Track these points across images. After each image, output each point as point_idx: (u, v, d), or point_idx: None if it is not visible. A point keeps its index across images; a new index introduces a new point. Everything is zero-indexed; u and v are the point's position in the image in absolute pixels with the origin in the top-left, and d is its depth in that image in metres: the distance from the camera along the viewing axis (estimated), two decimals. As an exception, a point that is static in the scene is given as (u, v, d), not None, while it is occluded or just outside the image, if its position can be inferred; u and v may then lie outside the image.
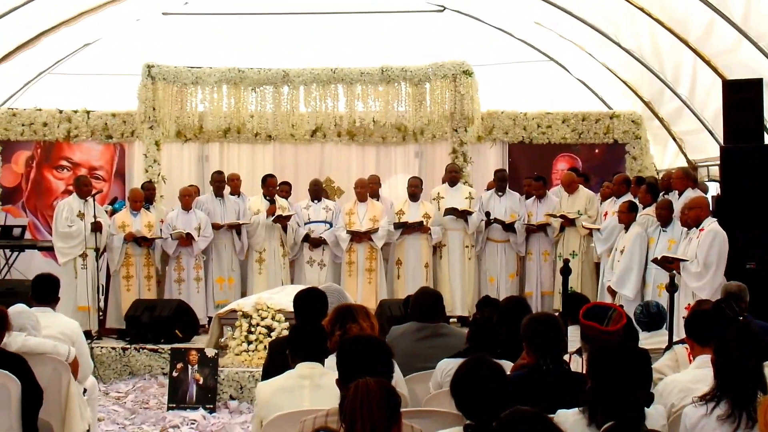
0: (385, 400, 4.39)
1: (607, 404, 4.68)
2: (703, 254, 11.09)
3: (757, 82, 12.20)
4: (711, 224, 11.25)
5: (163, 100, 16.15)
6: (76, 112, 17.31)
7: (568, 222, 14.88)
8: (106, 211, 15.03)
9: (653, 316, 9.14)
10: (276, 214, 14.87)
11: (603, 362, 4.84)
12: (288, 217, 14.94)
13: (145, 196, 14.95)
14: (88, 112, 17.30)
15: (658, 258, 11.87)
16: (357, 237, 14.88)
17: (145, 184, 15.51)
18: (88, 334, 12.88)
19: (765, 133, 12.65)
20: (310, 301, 7.41)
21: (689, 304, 11.02)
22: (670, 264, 11.47)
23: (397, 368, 6.59)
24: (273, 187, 15.24)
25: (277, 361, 6.70)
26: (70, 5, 15.14)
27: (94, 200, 13.92)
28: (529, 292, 15.34)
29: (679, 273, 11.27)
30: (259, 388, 6.21)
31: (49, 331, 7.97)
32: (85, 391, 8.53)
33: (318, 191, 15.47)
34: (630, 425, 4.58)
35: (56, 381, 7.66)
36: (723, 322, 6.69)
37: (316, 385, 5.71)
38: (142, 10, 16.86)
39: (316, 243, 15.12)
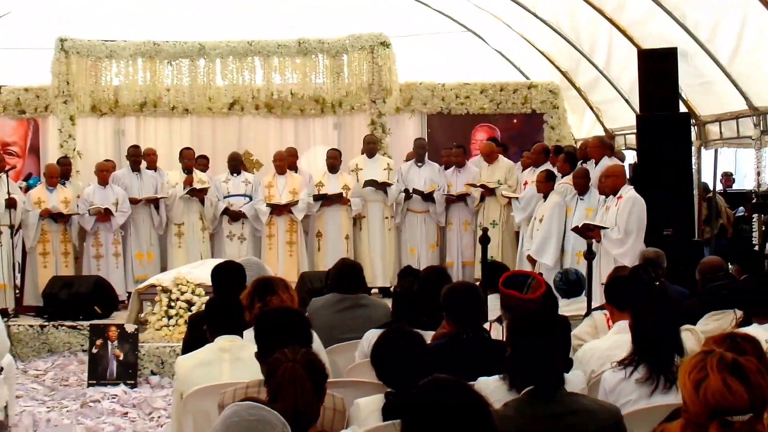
0: (312, 380, 4.36)
1: (527, 370, 4.71)
2: (623, 221, 11.23)
3: (672, 52, 12.36)
4: (629, 192, 11.38)
5: (77, 74, 15.91)
6: (-14, 86, 17.01)
7: (488, 191, 14.93)
8: (21, 188, 14.82)
9: (572, 284, 9.22)
10: (191, 187, 14.74)
11: (522, 329, 4.85)
12: (203, 191, 14.82)
13: (61, 172, 14.76)
14: (-1, 87, 17.02)
15: (579, 226, 11.98)
16: (277, 210, 14.81)
17: (60, 159, 15.33)
18: (4, 312, 12.80)
19: (680, 102, 12.80)
20: (227, 274, 7.38)
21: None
22: (590, 232, 11.58)
23: (317, 339, 6.59)
24: (190, 160, 15.11)
25: (197, 335, 6.66)
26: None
27: (7, 176, 13.73)
28: (450, 262, 15.40)
29: (599, 241, 11.38)
30: (178, 362, 6.18)
31: (-38, 310, 7.85)
32: (1, 369, 8.41)
33: (237, 165, 15.35)
34: (549, 389, 4.61)
35: (-29, 360, 7.55)
36: (640, 288, 6.76)
37: (235, 358, 5.69)
38: (55, -18, 16.61)
39: (236, 216, 15.02)
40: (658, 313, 5.44)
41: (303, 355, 4.46)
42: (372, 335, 6.30)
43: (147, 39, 16.05)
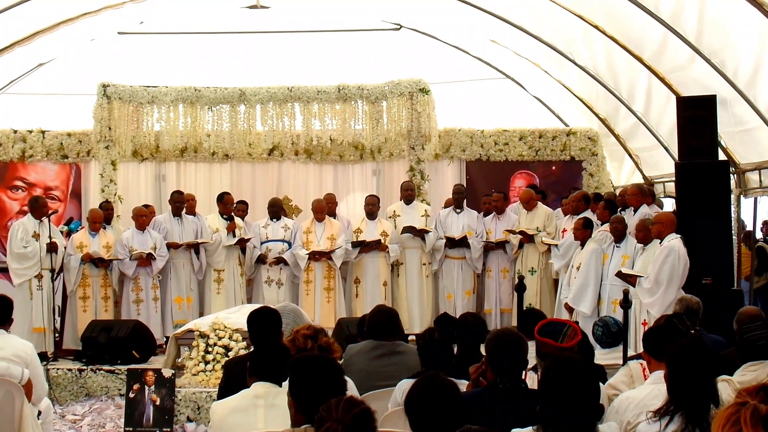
0: None
1: (558, 421, 4.68)
2: (656, 271, 11.20)
3: (711, 99, 12.32)
4: (671, 240, 11.32)
5: (119, 119, 16.05)
6: (30, 132, 17.18)
7: (527, 238, 14.90)
8: (62, 232, 14.92)
9: (615, 335, 9.20)
10: (239, 237, 14.86)
11: (553, 378, 4.83)
12: (248, 240, 14.93)
13: (104, 216, 14.89)
14: (43, 132, 17.19)
15: (618, 272, 11.95)
16: (316, 256, 14.84)
17: (103, 204, 15.45)
18: (44, 356, 12.79)
19: (718, 149, 12.74)
20: (263, 321, 7.34)
21: (645, 320, 11.11)
22: (630, 278, 11.55)
23: (353, 386, 6.59)
24: (230, 204, 15.22)
25: (233, 380, 6.66)
26: (24, 24, 15.02)
27: (49, 221, 13.84)
28: (488, 310, 15.37)
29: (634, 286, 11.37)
30: (213, 408, 6.17)
31: (2, 353, 7.90)
32: (39, 413, 8.44)
33: (277, 210, 15.43)
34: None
35: (9, 403, 7.59)
36: (676, 337, 6.71)
37: (270, 405, 5.68)
38: (97, 30, 16.75)
39: (275, 262, 15.07)
40: (692, 363, 5.39)
41: (351, 416, 4.31)
42: (405, 385, 6.27)
43: (188, 85, 16.18)
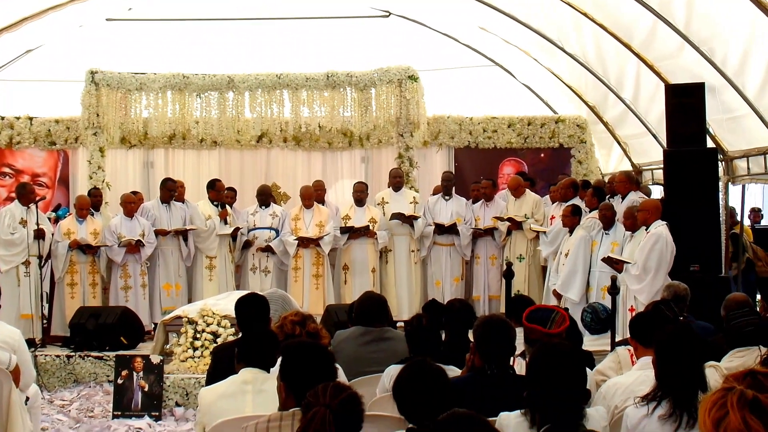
0: (345, 426, 4.32)
1: (546, 406, 4.69)
2: (643, 258, 11.23)
3: (699, 87, 12.33)
4: (658, 227, 11.35)
5: (107, 106, 16.00)
6: (18, 118, 17.15)
7: (515, 225, 14.92)
8: (50, 218, 14.92)
9: (604, 322, 9.23)
10: (233, 226, 14.92)
11: (541, 364, 4.85)
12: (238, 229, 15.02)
13: (92, 203, 14.88)
14: (30, 119, 17.16)
15: (606, 257, 11.98)
16: (304, 243, 14.85)
17: (91, 190, 15.43)
18: (31, 342, 12.78)
19: (707, 137, 12.76)
20: (251, 307, 7.33)
21: (632, 306, 11.14)
22: (616, 264, 11.58)
23: (341, 373, 6.60)
24: (221, 191, 15.24)
25: (221, 367, 6.67)
26: (12, 10, 14.97)
27: (36, 207, 13.81)
28: (476, 296, 15.41)
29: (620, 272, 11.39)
30: (202, 394, 6.17)
31: (-11, 340, 7.87)
32: (27, 399, 8.43)
33: (266, 198, 15.42)
34: (569, 427, 4.59)
35: (-3, 389, 7.57)
36: (664, 323, 6.73)
37: (258, 390, 5.67)
38: (86, 16, 16.70)
39: (263, 249, 15.08)
40: (680, 349, 5.39)
41: (339, 400, 4.33)
42: (393, 370, 6.28)
43: (176, 72, 16.14)
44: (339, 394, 4.35)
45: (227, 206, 15.23)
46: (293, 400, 4.95)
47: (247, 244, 15.24)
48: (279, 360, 5.51)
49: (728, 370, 6.42)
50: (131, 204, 14.67)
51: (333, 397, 4.32)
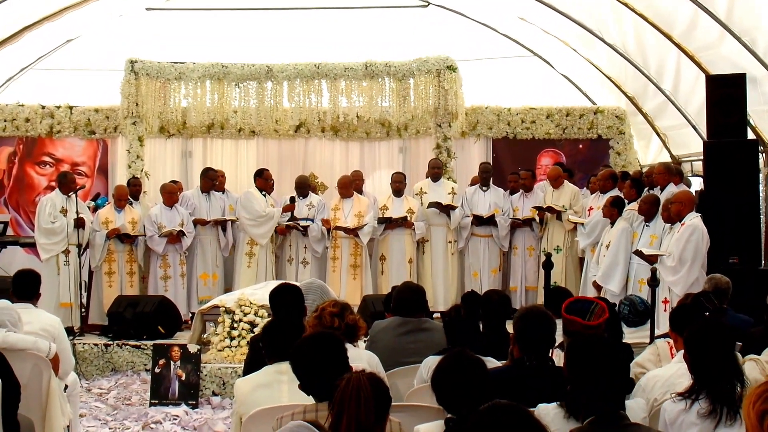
0: (375, 396, 4.37)
1: (586, 399, 4.67)
2: (679, 249, 11.15)
3: (740, 78, 12.22)
4: (692, 219, 11.27)
5: (146, 95, 16.01)
6: (58, 107, 17.25)
7: (555, 213, 14.86)
8: (89, 207, 14.98)
9: (641, 314, 9.18)
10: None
11: (578, 357, 4.82)
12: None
13: (131, 192, 14.96)
14: (70, 108, 17.25)
15: (636, 251, 11.92)
16: (341, 231, 14.87)
17: (130, 180, 15.49)
18: (70, 331, 12.85)
19: (748, 128, 12.66)
20: (284, 297, 7.33)
21: (666, 298, 11.07)
22: (650, 257, 11.51)
23: (378, 363, 6.60)
24: (269, 180, 15.33)
25: (259, 356, 6.66)
26: (53, 1, 15.05)
27: (76, 196, 13.88)
28: (513, 287, 15.39)
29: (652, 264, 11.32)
30: (237, 384, 6.18)
31: (30, 327, 7.92)
32: (66, 387, 8.49)
33: (304, 188, 15.41)
34: (611, 420, 4.56)
35: (37, 377, 7.63)
36: (702, 316, 6.68)
37: (293, 380, 5.65)
38: (125, 6, 16.82)
39: (290, 229, 15.12)
40: (709, 342, 5.34)
41: (368, 373, 4.49)
42: (431, 361, 6.27)
43: (215, 61, 16.14)
44: (368, 372, 4.52)
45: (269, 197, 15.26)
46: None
47: (283, 232, 15.21)
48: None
49: (769, 363, 6.37)
50: (171, 194, 14.72)
51: (362, 372, 4.50)
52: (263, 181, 15.26)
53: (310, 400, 5.15)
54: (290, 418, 4.94)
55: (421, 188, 15.50)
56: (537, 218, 15.13)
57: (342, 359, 5.18)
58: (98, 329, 14.11)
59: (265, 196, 15.16)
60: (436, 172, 15.49)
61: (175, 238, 14.51)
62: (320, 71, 16.09)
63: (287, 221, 15.03)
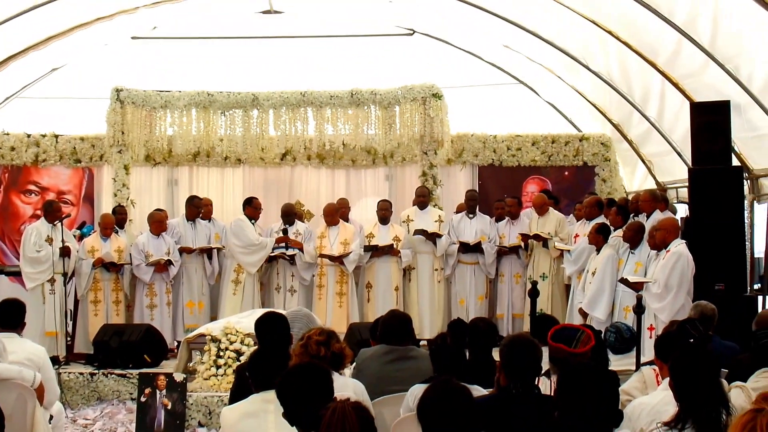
0: (360, 426, 4.36)
1: (576, 427, 4.66)
2: (665, 276, 11.15)
3: (725, 105, 12.29)
4: (678, 246, 11.28)
5: (132, 123, 16.00)
6: (44, 136, 17.20)
7: (541, 241, 14.87)
8: (74, 236, 14.94)
9: (627, 341, 9.18)
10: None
11: (570, 385, 4.81)
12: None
13: (117, 221, 14.91)
14: (56, 136, 17.21)
15: (620, 279, 11.93)
16: (326, 259, 14.85)
17: (116, 208, 15.44)
18: (55, 360, 12.80)
19: (732, 155, 12.70)
20: (270, 326, 7.32)
21: (651, 325, 11.08)
22: (635, 285, 11.52)
23: (364, 391, 6.58)
24: (258, 209, 15.32)
25: (245, 385, 6.64)
26: (39, 29, 15.04)
27: (62, 225, 13.84)
28: (500, 315, 15.39)
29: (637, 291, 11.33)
30: (223, 414, 6.14)
31: (14, 357, 7.89)
32: (51, 417, 8.44)
33: (290, 217, 15.35)
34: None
35: (21, 407, 7.58)
36: (687, 342, 6.69)
37: (280, 408, 5.64)
38: (111, 35, 16.76)
39: (277, 258, 15.04)
40: (693, 369, 5.34)
41: (353, 402, 4.48)
42: (418, 390, 6.26)
43: (201, 89, 16.15)
44: (352, 400, 4.49)
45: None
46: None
47: (272, 259, 15.17)
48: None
49: (755, 390, 6.36)
50: (159, 222, 14.68)
51: (347, 400, 4.48)
52: (252, 209, 15.22)
53: (296, 431, 5.13)
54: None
55: (408, 216, 15.50)
56: (523, 245, 15.13)
57: (328, 390, 5.17)
58: (84, 358, 14.04)
59: (253, 224, 15.13)
60: (421, 200, 15.49)
61: (162, 266, 14.46)
62: (306, 99, 16.12)
63: (273, 251, 15.00)
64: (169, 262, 14.45)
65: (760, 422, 3.28)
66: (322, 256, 14.85)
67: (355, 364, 7.69)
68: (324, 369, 5.37)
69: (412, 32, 17.49)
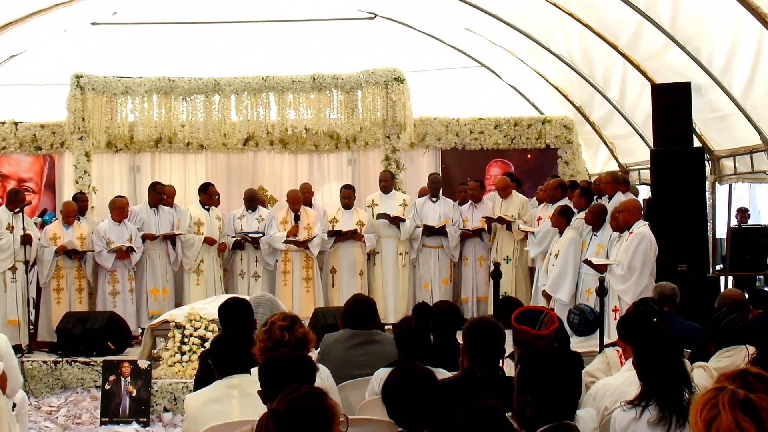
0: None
1: (537, 408, 4.67)
2: (628, 258, 11.19)
3: (685, 86, 12.33)
4: (640, 228, 11.32)
5: (93, 110, 15.93)
6: (3, 123, 17.11)
7: (505, 224, 14.89)
8: (36, 224, 14.84)
9: (591, 324, 9.19)
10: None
11: (532, 366, 4.82)
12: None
13: (78, 208, 14.79)
14: (16, 124, 17.11)
15: (584, 261, 11.98)
16: (294, 244, 14.82)
17: (77, 195, 15.32)
18: (18, 348, 12.73)
19: (693, 137, 12.76)
20: (234, 311, 7.31)
21: (616, 306, 11.12)
22: (599, 267, 11.55)
23: (329, 377, 6.57)
24: (214, 196, 15.23)
25: (209, 371, 6.62)
26: (-4, 16, 14.96)
27: (23, 212, 13.73)
28: (464, 298, 15.41)
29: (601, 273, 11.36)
30: (187, 400, 6.13)
31: (-25, 346, 7.82)
32: (14, 406, 8.38)
33: (253, 202, 15.32)
34: (560, 429, 4.56)
35: (-17, 396, 7.53)
36: (645, 322, 6.73)
37: (244, 394, 5.63)
38: (70, 21, 16.65)
39: (252, 242, 15.00)
40: (656, 347, 5.38)
41: (287, 401, 4.09)
42: (382, 373, 6.26)
43: (162, 75, 16.08)
44: (290, 395, 4.12)
45: (217, 210, 15.21)
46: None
47: (237, 246, 15.14)
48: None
49: (716, 370, 6.40)
50: (120, 209, 14.57)
51: (283, 399, 4.09)
52: (207, 197, 15.15)
53: (259, 415, 5.10)
54: (250, 432, 4.89)
55: (373, 200, 15.49)
56: (486, 228, 15.15)
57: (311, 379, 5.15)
58: (47, 346, 13.91)
59: (209, 210, 15.06)
60: (384, 185, 15.47)
61: (124, 253, 14.37)
62: (268, 84, 16.09)
63: (234, 235, 14.97)
64: (131, 249, 14.36)
65: (722, 399, 3.30)
66: (286, 241, 14.80)
67: (319, 349, 7.68)
68: (311, 362, 5.36)
69: (373, 16, 17.45)
